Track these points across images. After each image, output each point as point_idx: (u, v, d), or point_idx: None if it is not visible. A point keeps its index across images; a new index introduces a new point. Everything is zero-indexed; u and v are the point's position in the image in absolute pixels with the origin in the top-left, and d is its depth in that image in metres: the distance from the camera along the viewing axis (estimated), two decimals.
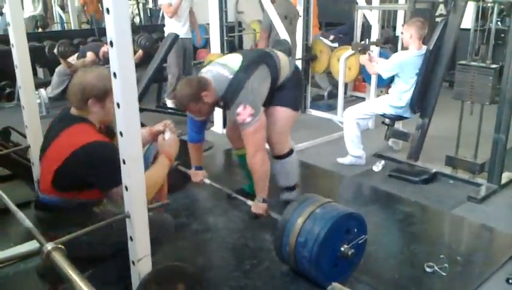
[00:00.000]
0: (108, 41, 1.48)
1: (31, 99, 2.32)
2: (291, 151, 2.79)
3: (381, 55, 4.81)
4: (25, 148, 2.52)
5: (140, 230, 1.71)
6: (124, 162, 1.61)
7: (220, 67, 2.55)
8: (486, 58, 3.29)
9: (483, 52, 3.33)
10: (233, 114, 2.45)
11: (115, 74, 1.50)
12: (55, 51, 5.53)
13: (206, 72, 2.58)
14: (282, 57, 2.68)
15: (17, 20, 2.20)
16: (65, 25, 9.26)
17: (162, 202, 1.87)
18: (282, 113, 2.67)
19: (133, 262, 1.74)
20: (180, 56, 5.21)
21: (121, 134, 1.57)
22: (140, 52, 5.66)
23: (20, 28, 2.20)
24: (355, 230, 2.22)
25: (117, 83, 1.51)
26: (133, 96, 1.55)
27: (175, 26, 5.17)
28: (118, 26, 1.45)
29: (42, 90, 5.52)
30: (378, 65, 3.76)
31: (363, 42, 4.66)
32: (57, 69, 5.97)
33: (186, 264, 2.02)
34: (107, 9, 1.44)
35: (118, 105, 1.54)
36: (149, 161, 2.43)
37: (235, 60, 2.56)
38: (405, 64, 3.54)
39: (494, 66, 3.24)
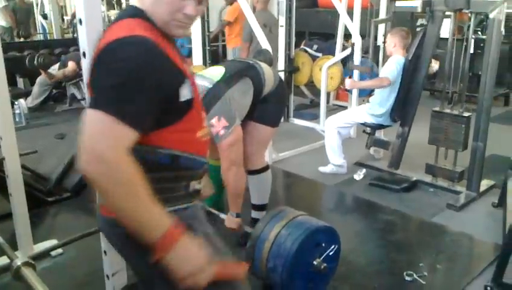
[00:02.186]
0: (82, 52, 1.47)
1: (6, 111, 2.28)
2: (266, 168, 2.72)
3: (362, 64, 4.86)
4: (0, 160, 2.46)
5: None
6: None
7: (199, 78, 2.51)
8: (460, 106, 3.39)
9: (456, 99, 3.40)
10: (208, 125, 2.40)
11: (84, 54, 1.48)
12: (35, 62, 5.47)
13: None
14: (266, 69, 2.62)
15: None
16: (47, 34, 9.20)
17: None
18: (261, 129, 2.61)
19: (107, 276, 1.72)
20: None
21: None
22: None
23: None
24: (325, 242, 2.18)
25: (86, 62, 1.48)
26: None
27: None
28: (90, 37, 1.44)
29: (22, 101, 5.45)
30: (384, 73, 3.64)
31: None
32: (38, 79, 5.91)
33: None
34: (80, 20, 1.43)
35: None
36: None
37: (216, 72, 2.52)
38: (401, 66, 3.55)
39: (466, 114, 3.34)
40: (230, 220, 2.53)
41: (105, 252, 1.69)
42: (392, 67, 3.58)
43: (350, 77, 4.05)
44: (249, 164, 2.65)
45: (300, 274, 2.13)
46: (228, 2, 5.87)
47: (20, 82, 6.22)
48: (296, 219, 2.21)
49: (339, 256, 2.28)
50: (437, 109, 3.46)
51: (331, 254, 2.19)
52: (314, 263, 2.13)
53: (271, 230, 2.16)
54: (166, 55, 1.10)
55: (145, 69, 1.05)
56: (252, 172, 2.67)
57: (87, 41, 1.42)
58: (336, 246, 2.23)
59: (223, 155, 2.42)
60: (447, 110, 3.42)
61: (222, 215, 2.60)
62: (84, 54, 1.45)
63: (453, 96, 3.42)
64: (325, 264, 2.13)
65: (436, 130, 3.44)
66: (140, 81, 1.04)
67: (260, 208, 2.74)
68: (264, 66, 2.61)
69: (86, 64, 1.46)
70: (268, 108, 2.60)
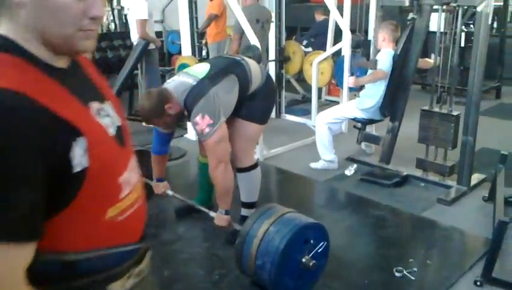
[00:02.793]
0: None
1: None
2: (254, 166, 2.69)
3: (353, 59, 4.84)
4: None
5: None
6: None
7: (184, 75, 2.49)
8: (448, 105, 3.37)
9: (444, 98, 3.39)
10: (192, 123, 2.36)
11: None
12: None
13: (169, 82, 2.52)
14: (253, 65, 2.59)
15: None
16: None
17: None
18: (249, 127, 2.59)
19: None
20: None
21: None
22: None
23: None
24: (314, 239, 2.16)
25: None
26: None
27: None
28: None
29: None
30: (380, 66, 3.59)
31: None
32: None
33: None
34: None
35: None
36: None
37: (201, 68, 2.50)
38: (392, 57, 3.53)
39: (455, 113, 3.33)
40: (219, 218, 2.51)
41: None
42: (386, 60, 3.56)
43: (352, 75, 4.02)
44: (238, 161, 2.63)
45: (289, 271, 2.11)
46: None
47: None
48: (285, 216, 2.19)
49: (328, 253, 2.27)
50: (426, 108, 3.46)
51: (320, 250, 2.18)
52: (303, 260, 2.12)
53: (259, 227, 2.15)
54: (42, 111, 0.73)
55: (11, 152, 0.69)
56: (240, 170, 2.65)
57: None
58: (325, 243, 2.22)
59: (210, 153, 2.40)
60: (436, 109, 3.41)
61: (212, 213, 2.59)
62: None
63: (442, 95, 3.40)
64: (314, 261, 2.11)
65: (425, 128, 3.44)
66: (10, 171, 0.69)
67: (249, 205, 2.72)
68: (251, 63, 2.59)
69: None
70: (256, 105, 2.57)
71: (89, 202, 0.80)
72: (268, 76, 2.73)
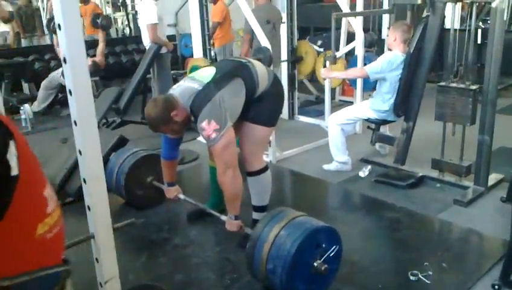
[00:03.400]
0: (62, 58, 1.44)
1: None
2: (264, 169, 2.66)
3: (367, 59, 4.78)
4: None
5: (107, 251, 1.66)
6: (85, 182, 1.56)
7: (189, 81, 2.48)
8: (466, 79, 3.27)
9: (462, 73, 3.30)
10: (199, 129, 2.34)
11: (70, 91, 1.46)
12: (98, 22, 5.60)
13: (175, 88, 2.50)
14: (260, 67, 2.57)
15: None
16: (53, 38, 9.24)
17: (129, 221, 1.81)
18: (257, 130, 2.55)
19: (101, 284, 1.69)
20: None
21: (80, 153, 1.53)
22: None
23: None
24: (325, 243, 2.13)
25: (73, 100, 1.46)
26: (91, 112, 1.50)
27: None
28: (70, 42, 1.41)
29: (27, 106, 5.47)
30: (367, 66, 3.65)
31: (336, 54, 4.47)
32: (42, 84, 5.94)
33: (160, 283, 1.96)
34: (59, 26, 1.40)
35: (76, 123, 1.49)
36: None
37: (207, 73, 2.49)
38: (391, 63, 3.48)
39: (473, 87, 3.22)
40: (230, 223, 2.49)
41: (97, 259, 1.66)
42: (376, 64, 3.56)
43: (325, 66, 3.99)
44: (247, 165, 2.61)
45: (300, 276, 2.09)
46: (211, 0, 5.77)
47: (26, 87, 6.25)
48: (296, 220, 2.17)
49: (341, 257, 2.24)
50: (443, 83, 3.35)
51: (332, 254, 2.15)
52: (315, 264, 2.09)
53: (270, 231, 2.13)
54: None
55: None
56: (250, 174, 2.63)
57: (67, 47, 1.39)
58: (337, 247, 2.19)
59: (217, 158, 2.39)
60: (453, 84, 3.30)
61: (223, 217, 2.57)
62: (65, 60, 1.41)
63: (458, 69, 3.31)
64: (325, 266, 2.08)
65: (442, 105, 3.32)
66: None
67: (260, 209, 2.69)
68: (258, 65, 2.56)
69: (67, 70, 1.42)
70: (263, 107, 2.54)
71: (21, 213, 0.77)
72: (276, 78, 2.68)
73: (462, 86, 3.26)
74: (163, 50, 4.84)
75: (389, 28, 4.66)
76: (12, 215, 0.76)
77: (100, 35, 6.01)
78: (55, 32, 5.62)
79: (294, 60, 5.23)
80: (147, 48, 4.87)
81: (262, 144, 2.71)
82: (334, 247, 2.15)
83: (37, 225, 0.82)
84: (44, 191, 0.85)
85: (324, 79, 4.32)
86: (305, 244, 2.05)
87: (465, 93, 3.22)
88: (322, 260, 2.09)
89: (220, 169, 2.38)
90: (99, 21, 5.72)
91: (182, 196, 2.84)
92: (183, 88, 2.44)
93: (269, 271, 2.09)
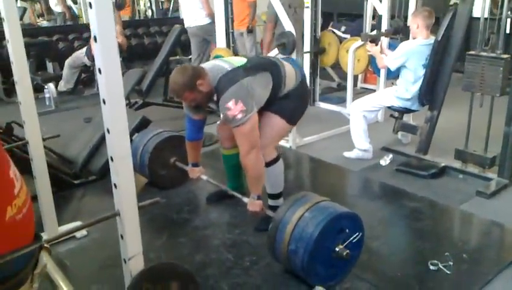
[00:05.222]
0: (92, 36, 1.45)
1: (28, 95, 2.30)
2: (276, 159, 2.66)
3: (390, 45, 4.70)
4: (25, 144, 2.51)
5: (131, 228, 1.68)
6: (112, 160, 1.58)
7: (220, 61, 2.54)
8: (497, 48, 3.18)
9: (493, 41, 3.21)
10: (223, 108, 2.34)
11: (99, 70, 1.47)
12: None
13: (206, 64, 2.56)
14: (288, 68, 2.61)
15: (11, 14, 2.17)
16: (78, 19, 9.31)
17: (153, 200, 1.83)
18: (277, 120, 2.56)
19: (124, 260, 1.72)
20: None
21: (108, 131, 1.54)
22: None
23: (14, 22, 2.18)
24: (349, 229, 2.15)
25: (102, 79, 1.47)
26: (119, 92, 1.50)
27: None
28: (101, 20, 1.41)
29: (51, 85, 5.55)
30: (386, 57, 3.69)
31: (373, 33, 4.57)
32: (66, 62, 6.01)
33: (181, 262, 1.99)
34: (90, 4, 1.40)
35: (104, 101, 1.51)
36: None
37: (238, 60, 2.55)
38: (411, 53, 3.47)
39: (505, 56, 3.12)
40: (252, 203, 2.51)
41: (121, 236, 1.69)
42: (395, 55, 3.56)
43: (376, 44, 3.97)
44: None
45: (321, 259, 2.10)
46: None
47: (50, 66, 6.33)
48: (320, 204, 2.18)
49: (363, 244, 2.24)
50: (472, 52, 3.27)
51: (354, 241, 2.16)
52: (337, 249, 2.10)
53: (294, 213, 2.15)
54: None
55: None
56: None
57: (98, 25, 1.40)
58: (360, 234, 2.20)
59: (242, 139, 2.39)
60: (484, 53, 3.21)
61: (245, 199, 2.59)
62: (95, 39, 1.42)
63: (490, 37, 3.23)
64: (347, 251, 2.09)
65: (471, 75, 3.24)
66: None
67: (276, 196, 2.71)
68: (287, 66, 2.60)
69: (97, 48, 1.43)
70: (288, 103, 2.58)
71: None
72: (304, 80, 2.70)
73: (492, 54, 3.17)
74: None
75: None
76: None
77: (116, 17, 6.05)
78: None
79: (317, 51, 5.15)
80: (191, 26, 4.85)
81: (277, 138, 2.70)
82: (357, 234, 2.16)
83: (6, 208, 0.80)
84: (10, 172, 0.83)
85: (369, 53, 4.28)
86: (328, 227, 2.06)
87: (496, 63, 3.12)
88: (344, 245, 2.10)
89: (244, 150, 2.39)
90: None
91: (204, 177, 2.87)
92: (213, 65, 2.49)
93: (291, 252, 2.10)
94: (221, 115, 2.60)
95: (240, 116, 2.30)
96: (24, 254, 0.83)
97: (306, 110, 2.76)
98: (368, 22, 5.46)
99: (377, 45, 3.94)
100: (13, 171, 0.82)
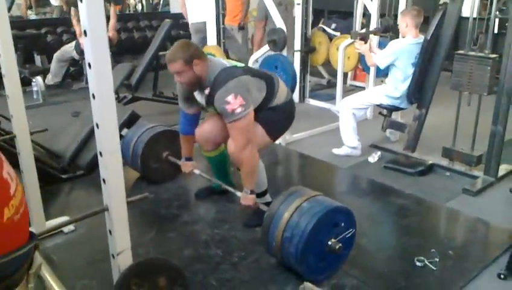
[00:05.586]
0: (83, 30, 1.44)
1: (16, 89, 2.28)
2: None
3: (380, 44, 4.73)
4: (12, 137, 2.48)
5: (120, 223, 1.68)
6: (101, 155, 1.58)
7: (221, 59, 2.61)
8: (485, 48, 3.22)
9: (482, 41, 3.25)
10: (220, 102, 2.34)
11: (89, 65, 1.46)
12: None
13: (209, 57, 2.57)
14: (282, 84, 2.67)
15: None
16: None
17: (142, 195, 1.84)
18: (258, 128, 2.55)
19: (113, 255, 1.72)
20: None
21: (97, 126, 1.54)
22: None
23: (2, 14, 2.15)
24: (343, 224, 2.19)
25: (92, 73, 1.47)
26: (109, 87, 1.51)
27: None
28: (91, 15, 1.41)
29: (39, 78, 5.49)
30: (376, 56, 3.71)
31: (362, 31, 4.60)
32: (54, 55, 5.95)
33: (169, 257, 1.99)
34: None
35: (94, 96, 1.50)
36: None
37: (237, 62, 2.60)
38: (401, 52, 3.50)
39: (492, 55, 3.16)
40: (245, 197, 2.52)
41: (110, 231, 1.69)
42: (384, 54, 3.60)
43: (366, 42, 3.99)
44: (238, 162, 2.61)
45: (314, 250, 2.12)
46: None
47: (38, 59, 6.26)
48: (317, 197, 2.23)
49: (353, 242, 2.28)
50: (461, 51, 3.31)
51: (347, 236, 2.19)
52: (329, 243, 2.13)
53: (292, 202, 2.17)
54: None
55: None
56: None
57: (88, 20, 1.39)
58: (353, 231, 2.23)
59: (239, 134, 2.39)
60: (472, 53, 3.26)
61: (238, 193, 2.61)
62: (85, 33, 1.42)
63: (478, 37, 3.27)
64: (339, 245, 2.13)
65: (459, 74, 3.28)
66: None
67: (262, 194, 2.72)
68: (281, 82, 2.67)
69: (87, 43, 1.43)
70: (273, 115, 2.60)
71: None
72: (292, 100, 2.74)
73: (480, 54, 3.21)
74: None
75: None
76: None
77: (111, 11, 6.00)
78: (75, 6, 5.59)
79: (308, 50, 5.15)
80: (198, 22, 4.80)
81: (257, 146, 2.67)
82: (350, 230, 2.20)
83: (3, 209, 0.78)
84: (3, 172, 0.81)
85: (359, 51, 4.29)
86: (325, 219, 2.10)
87: (484, 62, 3.16)
88: (337, 239, 2.14)
89: (239, 144, 2.40)
90: None
91: (197, 171, 2.88)
92: (215, 59, 2.53)
93: (286, 239, 2.11)
94: (210, 109, 2.59)
95: (239, 110, 2.31)
96: (21, 254, 0.83)
97: (297, 108, 2.78)
98: (358, 20, 5.49)
99: (366, 43, 3.96)
100: (7, 171, 0.81)
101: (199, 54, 2.40)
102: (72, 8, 5.69)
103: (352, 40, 4.43)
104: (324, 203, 2.16)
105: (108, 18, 6.02)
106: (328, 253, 2.15)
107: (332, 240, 2.13)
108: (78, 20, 5.59)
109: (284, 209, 2.16)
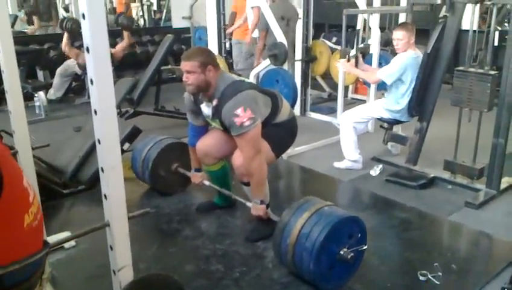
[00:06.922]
0: (85, 47, 1.45)
1: (18, 105, 2.29)
2: None
3: (381, 58, 4.76)
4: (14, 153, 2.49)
5: (121, 239, 1.67)
6: (103, 171, 1.58)
7: (232, 75, 2.66)
8: (485, 64, 3.23)
9: (481, 57, 3.27)
10: (229, 114, 2.36)
11: (92, 81, 1.47)
12: (63, 26, 5.57)
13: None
14: (285, 103, 2.72)
15: (3, 22, 2.16)
16: None
17: (143, 210, 1.83)
18: (263, 144, 2.54)
19: (114, 271, 1.71)
20: None
21: (99, 142, 1.55)
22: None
23: (5, 30, 2.17)
24: (358, 237, 2.21)
25: (94, 89, 1.48)
26: (111, 102, 1.51)
27: None
28: (94, 31, 1.42)
29: (41, 93, 5.52)
30: (380, 72, 3.67)
31: (352, 50, 4.45)
32: (57, 70, 5.99)
33: (170, 273, 1.98)
34: (83, 15, 1.41)
35: (96, 112, 1.51)
36: None
37: (245, 78, 2.72)
38: (409, 65, 3.50)
39: (492, 72, 3.18)
40: (256, 207, 2.54)
41: (111, 247, 1.68)
42: (391, 68, 3.56)
43: (349, 60, 3.92)
44: (243, 177, 2.62)
45: (327, 255, 2.13)
46: None
47: (40, 75, 6.31)
48: (333, 206, 2.29)
49: (363, 256, 2.29)
50: (461, 68, 3.33)
51: (359, 250, 2.22)
52: (341, 252, 2.14)
53: (305, 211, 2.20)
54: None
55: None
56: (246, 184, 2.66)
57: (91, 36, 1.41)
58: (365, 246, 2.26)
59: (248, 145, 2.41)
60: (472, 69, 3.27)
61: (248, 204, 2.62)
62: (88, 49, 1.43)
63: (478, 54, 3.28)
64: (351, 254, 2.14)
65: (459, 90, 3.29)
66: None
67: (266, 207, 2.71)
68: (284, 101, 2.72)
69: (89, 60, 1.44)
70: (278, 131, 2.63)
71: (10, 206, 0.81)
72: (294, 118, 2.77)
73: (480, 70, 3.23)
74: None
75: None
76: (2, 209, 0.81)
77: (125, 34, 6.07)
78: (68, 32, 5.62)
79: (309, 59, 5.19)
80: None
81: None
82: (362, 245, 2.23)
83: (23, 216, 0.85)
84: (24, 182, 0.89)
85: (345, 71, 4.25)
86: (342, 226, 2.15)
87: (484, 78, 3.17)
88: (349, 250, 2.16)
89: (249, 155, 2.42)
90: (120, 20, 5.79)
91: (206, 182, 2.92)
92: (226, 73, 2.61)
93: (302, 236, 2.13)
94: (215, 123, 2.61)
95: (248, 123, 2.34)
96: (38, 259, 0.90)
97: (298, 121, 2.80)
98: (359, 34, 5.52)
99: (349, 60, 3.90)
100: (26, 180, 0.89)
101: (215, 63, 2.48)
102: (65, 35, 5.70)
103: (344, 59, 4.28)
104: (342, 211, 2.26)
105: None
106: (339, 262, 2.17)
107: (345, 249, 2.15)
108: (72, 45, 5.69)
109: (299, 215, 2.19)
